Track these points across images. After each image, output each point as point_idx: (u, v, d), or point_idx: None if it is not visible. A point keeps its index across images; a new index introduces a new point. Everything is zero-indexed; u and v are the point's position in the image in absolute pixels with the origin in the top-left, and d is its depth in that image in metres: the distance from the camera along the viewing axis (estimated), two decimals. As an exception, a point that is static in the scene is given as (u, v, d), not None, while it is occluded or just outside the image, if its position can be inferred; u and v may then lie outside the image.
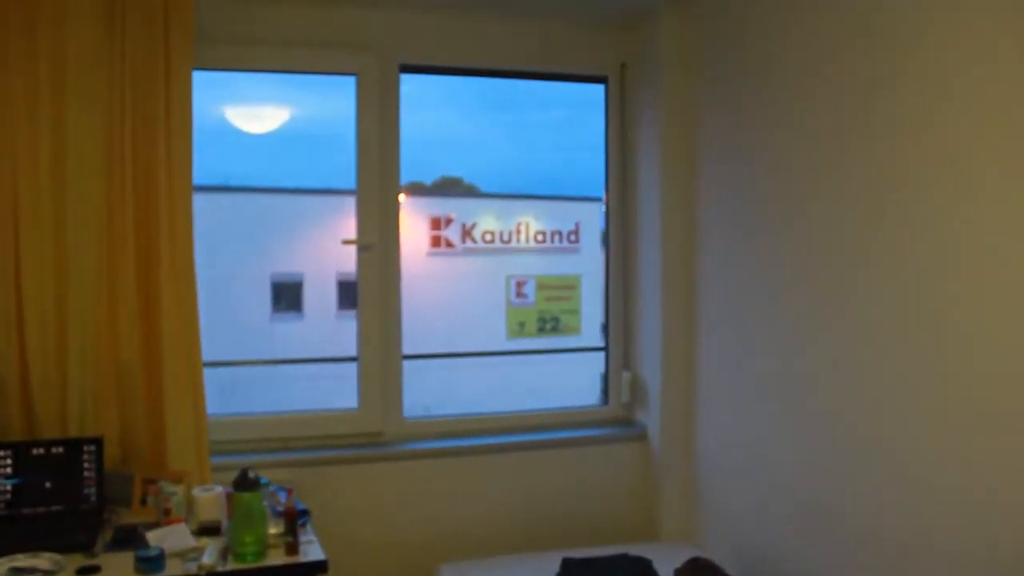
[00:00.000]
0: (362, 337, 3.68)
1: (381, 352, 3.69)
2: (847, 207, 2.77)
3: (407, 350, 3.83)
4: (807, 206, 2.98)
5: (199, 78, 3.27)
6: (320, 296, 9.05)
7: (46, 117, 3.07)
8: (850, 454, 2.79)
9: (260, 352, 8.40)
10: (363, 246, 3.65)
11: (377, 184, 3.65)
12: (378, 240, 3.65)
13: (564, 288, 6.30)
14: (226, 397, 4.22)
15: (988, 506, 2.28)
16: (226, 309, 8.33)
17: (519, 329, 9.04)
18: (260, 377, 5.31)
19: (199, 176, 3.29)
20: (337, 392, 3.91)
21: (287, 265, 8.61)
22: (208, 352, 3.33)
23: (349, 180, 3.69)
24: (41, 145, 3.07)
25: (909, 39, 2.52)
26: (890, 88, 2.59)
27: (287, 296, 8.87)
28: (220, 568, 2.66)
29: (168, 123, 3.18)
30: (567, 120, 4.01)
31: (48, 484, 2.97)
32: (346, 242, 3.66)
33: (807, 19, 2.97)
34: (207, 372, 3.32)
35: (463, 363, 7.36)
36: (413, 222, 8.96)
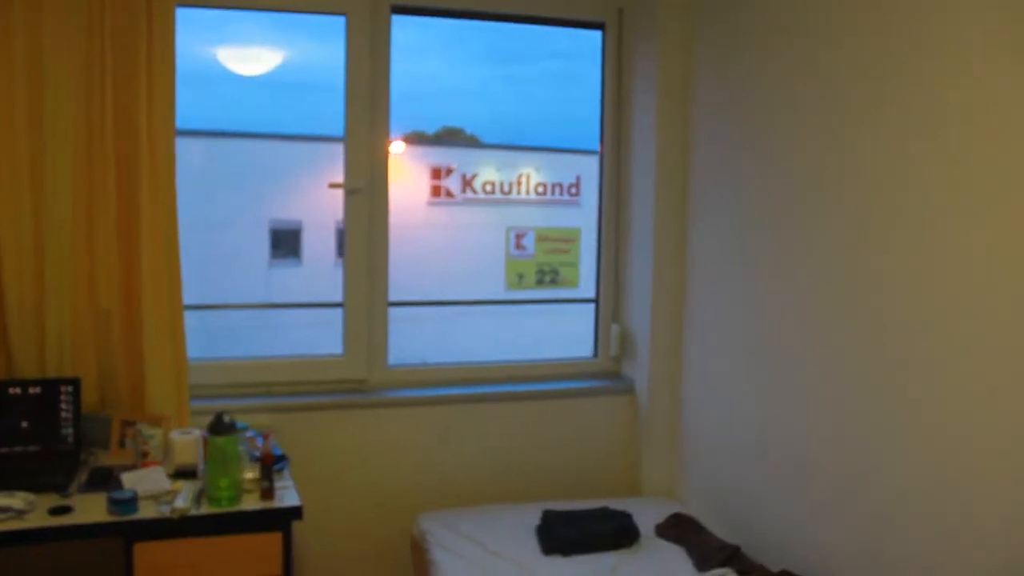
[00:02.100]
0: (348, 283, 3.64)
1: (367, 298, 3.66)
2: (846, 160, 2.70)
3: (403, 297, 3.79)
4: (803, 160, 2.91)
5: (192, 18, 3.19)
6: (319, 243, 9.01)
7: (20, 57, 2.99)
8: (836, 413, 2.75)
9: (258, 298, 8.38)
10: (350, 190, 3.59)
11: (366, 127, 3.59)
12: (366, 185, 3.59)
13: (563, 241, 6.22)
14: (219, 342, 4.20)
15: (966, 471, 2.26)
16: (224, 255, 8.31)
17: (518, 281, 9.01)
18: (257, 323, 5.29)
19: (195, 122, 3.23)
20: (333, 339, 3.86)
21: (286, 212, 8.54)
22: (205, 297, 3.29)
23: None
24: (16, 87, 2.99)
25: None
26: (893, 44, 2.52)
27: (286, 243, 8.81)
28: (193, 511, 2.66)
29: (150, 62, 3.10)
30: (571, 72, 3.93)
31: (25, 424, 2.96)
32: (332, 185, 3.60)
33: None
34: (201, 317, 3.28)
35: (461, 313, 7.34)
36: (414, 171, 8.90)
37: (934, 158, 2.35)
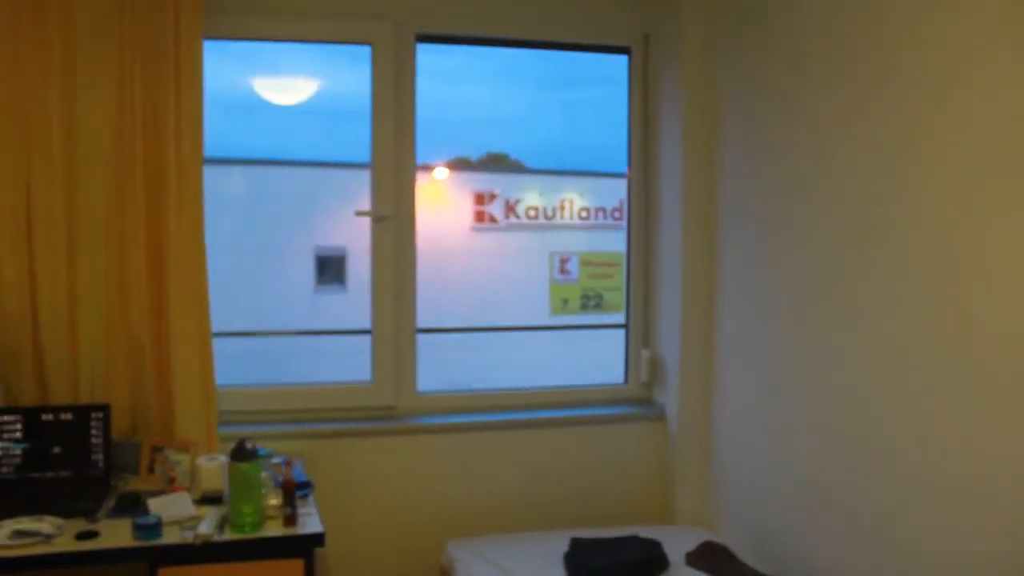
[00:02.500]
0: (375, 310, 3.66)
1: (394, 325, 3.66)
2: (874, 180, 2.65)
3: (446, 323, 3.80)
4: (831, 181, 2.87)
5: (229, 50, 3.25)
6: (365, 269, 9.09)
7: (56, 90, 3.09)
8: (871, 442, 2.68)
9: (304, 325, 8.47)
10: (377, 218, 3.61)
11: (392, 155, 3.61)
12: (393, 212, 3.61)
13: (607, 265, 6.20)
14: (267, 367, 4.24)
15: (1005, 502, 2.19)
16: (271, 282, 8.42)
17: (562, 306, 9.00)
18: (303, 349, 5.34)
19: (238, 150, 3.29)
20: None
21: (331, 239, 8.64)
22: (250, 323, 3.34)
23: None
24: (52, 118, 3.09)
25: (939, 9, 2.39)
26: (916, 59, 2.48)
27: (331, 269, 8.91)
28: (216, 537, 2.67)
29: (178, 95, 3.17)
30: (614, 97, 3.94)
31: (57, 449, 3.02)
32: (360, 213, 3.63)
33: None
34: (246, 343, 3.33)
35: (509, 339, 7.33)
36: (457, 197, 8.95)
37: (977, 178, 2.28)
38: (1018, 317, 2.12)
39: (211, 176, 3.32)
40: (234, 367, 3.86)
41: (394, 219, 3.63)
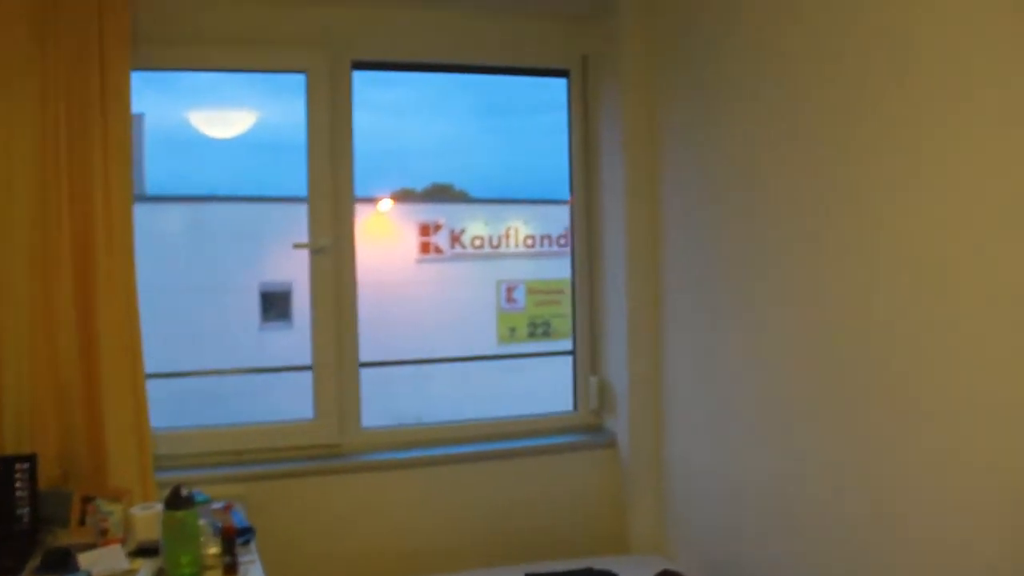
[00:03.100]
0: (315, 344, 3.55)
1: (336, 359, 3.56)
2: (817, 197, 2.63)
3: (395, 356, 3.71)
4: (774, 199, 2.84)
5: (161, 83, 3.16)
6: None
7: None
8: (825, 464, 2.64)
9: (250, 362, 8.32)
10: (315, 249, 3.52)
11: (329, 184, 3.53)
12: (331, 242, 3.53)
13: (554, 292, 6.17)
14: (210, 408, 4.13)
15: (972, 518, 2.13)
16: (216, 320, 8.27)
17: (510, 335, 8.98)
18: (250, 387, 5.22)
19: (177, 187, 3.19)
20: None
21: (276, 274, 8.53)
22: (196, 362, 3.22)
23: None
24: (-33, 157, 2.96)
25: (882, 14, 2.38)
26: (841, 61, 2.47)
27: (276, 305, 8.78)
28: (151, 591, 2.54)
29: (105, 129, 3.06)
30: (557, 123, 3.92)
31: (-23, 504, 2.85)
32: (297, 246, 3.53)
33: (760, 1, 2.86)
34: (193, 383, 3.21)
35: (460, 370, 7.25)
36: (402, 228, 8.91)
37: (930, 193, 2.24)
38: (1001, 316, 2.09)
39: (150, 214, 3.23)
40: (178, 409, 3.75)
41: (333, 250, 3.53)
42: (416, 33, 3.66)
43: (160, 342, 3.48)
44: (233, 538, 2.67)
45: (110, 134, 3.07)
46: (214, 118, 4.83)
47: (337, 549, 3.48)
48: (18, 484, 2.88)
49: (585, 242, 3.94)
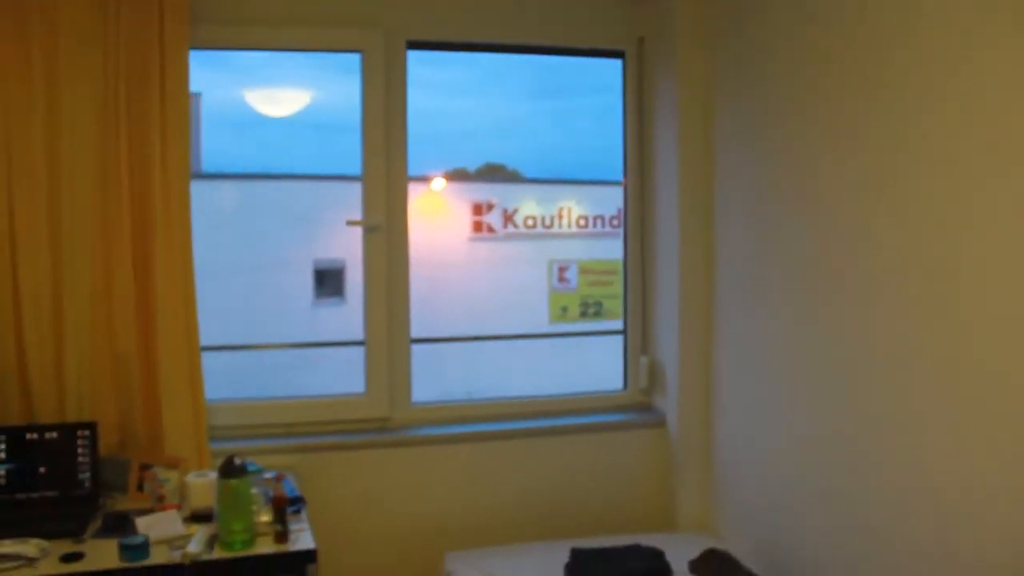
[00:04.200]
0: (368, 320, 3.59)
1: (387, 335, 3.60)
2: (870, 185, 2.60)
3: (447, 333, 3.76)
4: (827, 185, 2.81)
5: (218, 63, 3.21)
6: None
7: (40, 105, 3.04)
8: (875, 445, 2.62)
9: (303, 337, 8.42)
10: (369, 227, 3.56)
11: (383, 164, 3.56)
12: (384, 222, 3.56)
13: (606, 273, 6.16)
14: (263, 382, 4.20)
15: (1009, 503, 2.12)
16: (270, 296, 8.38)
17: (562, 314, 8.96)
18: (300, 361, 5.30)
19: (233, 165, 3.26)
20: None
21: (330, 251, 8.62)
22: (248, 338, 3.29)
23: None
24: (34, 134, 3.04)
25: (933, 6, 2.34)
26: (910, 58, 2.43)
27: (330, 282, 8.88)
28: (205, 556, 2.61)
29: (163, 105, 3.13)
30: (612, 104, 3.90)
31: (42, 469, 2.95)
32: (351, 223, 3.57)
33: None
34: (249, 357, 3.28)
35: (508, 348, 7.26)
36: (455, 208, 8.93)
37: (995, 176, 2.19)
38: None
39: (206, 191, 3.29)
40: (232, 382, 3.82)
41: (386, 228, 3.57)
42: (470, 13, 3.67)
43: (216, 317, 3.54)
44: (284, 507, 2.74)
45: (168, 112, 3.13)
46: (269, 97, 4.87)
47: (385, 521, 3.54)
48: (80, 450, 2.98)
49: (638, 223, 3.93)
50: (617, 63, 3.92)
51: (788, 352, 3.08)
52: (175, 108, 3.14)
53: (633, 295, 3.96)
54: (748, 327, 3.35)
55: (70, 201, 3.09)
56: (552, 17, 3.75)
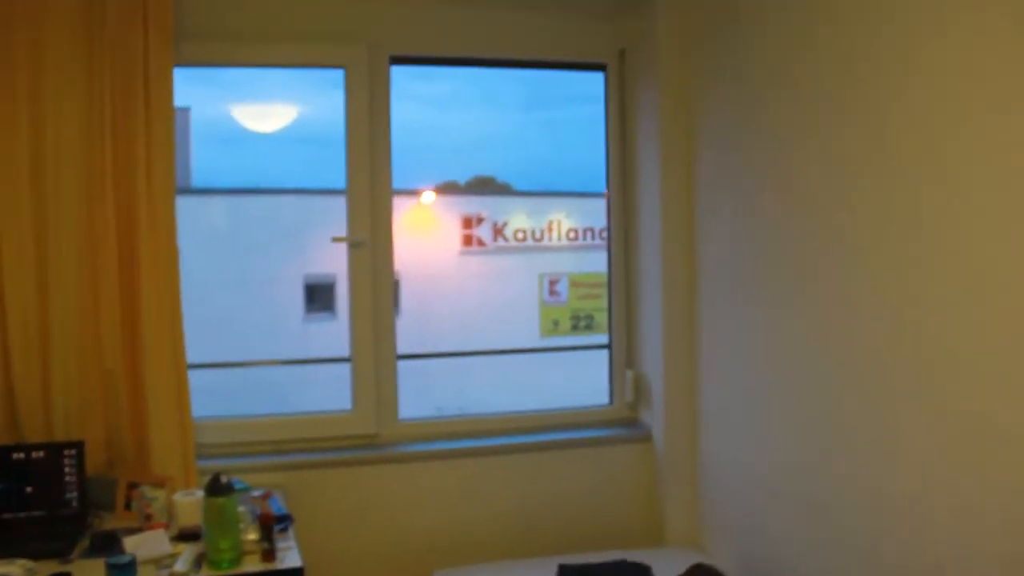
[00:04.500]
0: (354, 336, 3.60)
1: (373, 351, 3.61)
2: (851, 195, 2.61)
3: (439, 348, 3.75)
4: (810, 195, 2.82)
5: (205, 79, 3.22)
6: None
7: (24, 121, 3.05)
8: (861, 460, 2.62)
9: (294, 353, 8.42)
10: (353, 244, 3.57)
11: (367, 179, 3.57)
12: (369, 237, 3.57)
13: (597, 285, 6.15)
14: (253, 399, 4.20)
15: (998, 516, 2.13)
16: (261, 311, 8.39)
17: (553, 327, 8.99)
18: (294, 378, 5.30)
19: (221, 180, 3.25)
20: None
21: (320, 266, 8.63)
22: (238, 354, 3.29)
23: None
24: (19, 150, 3.05)
25: (917, 16, 2.36)
26: (891, 66, 2.44)
27: (320, 297, 8.89)
28: (193, 575, 2.61)
29: (148, 124, 3.14)
30: (600, 117, 3.93)
31: (29, 489, 2.95)
32: (336, 239, 3.59)
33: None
34: (240, 374, 3.27)
35: (498, 364, 7.28)
36: (445, 221, 8.95)
37: (971, 176, 2.20)
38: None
39: (197, 206, 3.29)
40: (221, 399, 3.82)
41: (371, 244, 3.58)
42: (453, 28, 3.69)
43: (206, 333, 3.55)
44: (271, 525, 2.73)
45: (153, 129, 3.14)
46: (256, 112, 4.90)
47: (373, 538, 3.53)
48: (67, 470, 2.98)
49: (622, 235, 3.95)
50: (601, 75, 3.95)
51: (774, 366, 3.09)
52: (160, 124, 3.15)
53: (617, 308, 3.98)
54: (733, 341, 3.36)
55: (56, 218, 3.10)
56: (534, 31, 3.77)
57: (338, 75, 3.58)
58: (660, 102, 3.61)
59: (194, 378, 3.28)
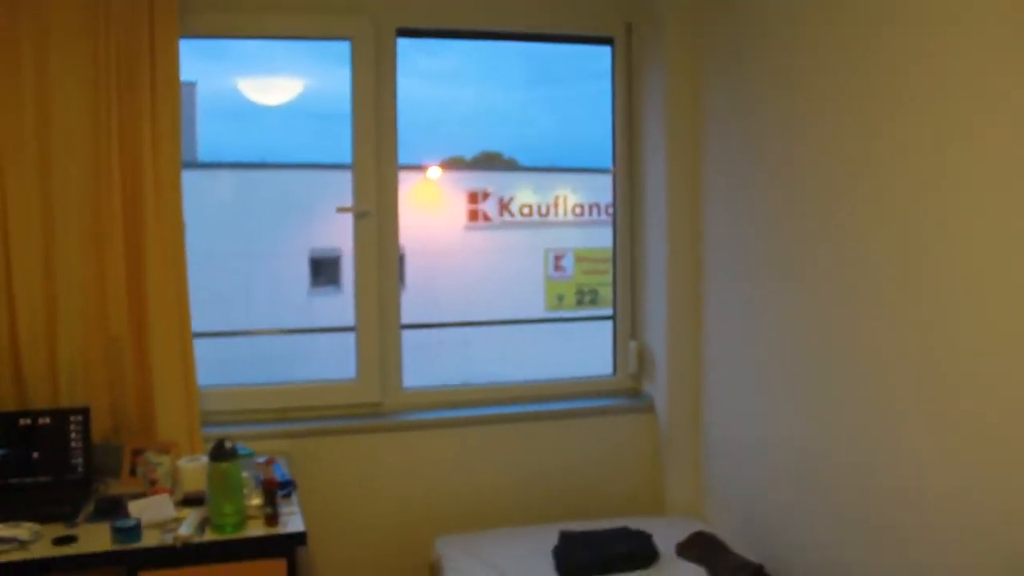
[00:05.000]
0: (359, 306, 3.62)
1: (378, 321, 3.63)
2: (858, 170, 2.61)
3: (443, 319, 3.75)
4: (817, 171, 2.83)
5: (211, 52, 3.21)
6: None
7: (29, 91, 3.06)
8: (864, 429, 2.64)
9: (299, 325, 8.44)
10: (358, 214, 3.58)
11: (373, 151, 3.57)
12: (374, 208, 3.58)
13: (602, 261, 6.15)
14: (259, 369, 4.23)
15: (992, 491, 2.15)
16: (266, 284, 8.41)
17: (558, 302, 8.99)
18: (299, 349, 5.33)
19: (228, 154, 3.26)
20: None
21: (325, 240, 8.64)
22: (244, 325, 3.29)
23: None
24: (25, 119, 3.06)
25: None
26: (899, 44, 2.44)
27: (326, 271, 8.90)
28: (196, 539, 2.64)
29: (154, 96, 3.14)
30: (606, 92, 3.92)
31: (35, 454, 2.98)
32: (341, 209, 3.59)
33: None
34: (246, 345, 3.29)
35: (503, 337, 7.29)
36: (451, 196, 8.94)
37: (970, 159, 2.22)
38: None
39: (204, 180, 3.30)
40: (227, 369, 3.84)
41: (376, 215, 3.59)
42: (459, 0, 3.68)
43: (213, 305, 3.57)
44: (274, 490, 2.76)
45: (159, 101, 3.15)
46: (262, 85, 4.90)
47: (375, 505, 3.57)
48: (73, 436, 3.01)
49: (627, 209, 3.95)
50: (609, 49, 3.93)
51: (776, 337, 3.11)
52: (166, 97, 3.15)
53: (622, 281, 3.99)
54: (737, 312, 3.38)
55: (62, 188, 3.11)
56: (541, 4, 3.75)
57: (344, 50, 3.57)
58: (666, 77, 3.60)
59: (199, 348, 3.30)
